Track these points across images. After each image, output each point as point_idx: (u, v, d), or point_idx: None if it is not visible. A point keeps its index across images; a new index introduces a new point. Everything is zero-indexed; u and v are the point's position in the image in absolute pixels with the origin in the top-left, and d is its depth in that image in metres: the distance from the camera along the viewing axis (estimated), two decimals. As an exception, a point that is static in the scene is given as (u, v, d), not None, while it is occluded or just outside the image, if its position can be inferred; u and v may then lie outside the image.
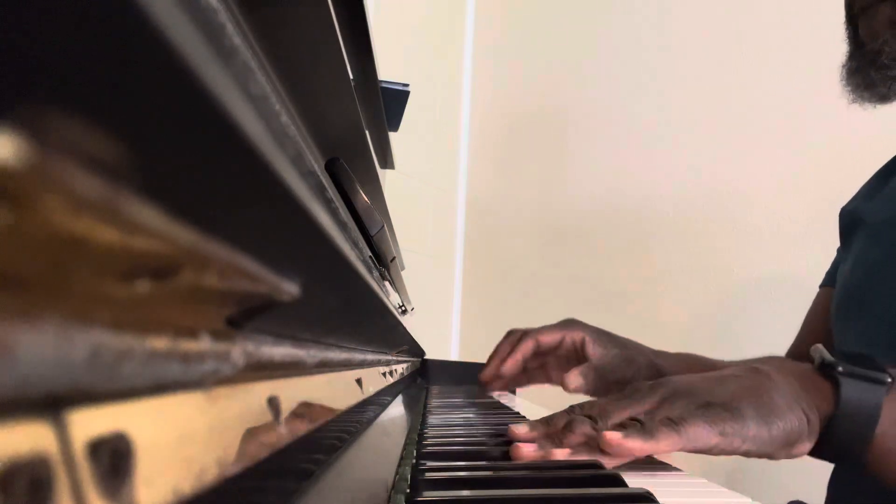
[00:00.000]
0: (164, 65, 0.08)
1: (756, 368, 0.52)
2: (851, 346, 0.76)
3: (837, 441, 0.50)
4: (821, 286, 0.93)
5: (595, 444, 0.47)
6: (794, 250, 1.62)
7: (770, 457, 0.50)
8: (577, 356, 0.77)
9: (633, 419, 0.48)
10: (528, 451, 0.48)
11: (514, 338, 0.79)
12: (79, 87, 0.08)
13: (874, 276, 0.75)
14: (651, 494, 0.36)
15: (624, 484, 0.40)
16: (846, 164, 1.58)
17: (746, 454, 0.49)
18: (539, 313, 1.92)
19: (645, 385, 0.52)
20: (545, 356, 0.79)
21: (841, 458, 0.51)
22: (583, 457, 0.47)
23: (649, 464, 0.53)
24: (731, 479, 1.43)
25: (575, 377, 0.73)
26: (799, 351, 0.92)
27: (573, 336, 0.77)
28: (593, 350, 0.76)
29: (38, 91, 0.08)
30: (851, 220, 0.84)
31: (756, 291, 1.65)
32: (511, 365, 0.76)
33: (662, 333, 1.67)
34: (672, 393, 0.50)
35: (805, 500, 0.90)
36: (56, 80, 0.08)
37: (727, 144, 1.72)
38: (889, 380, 0.50)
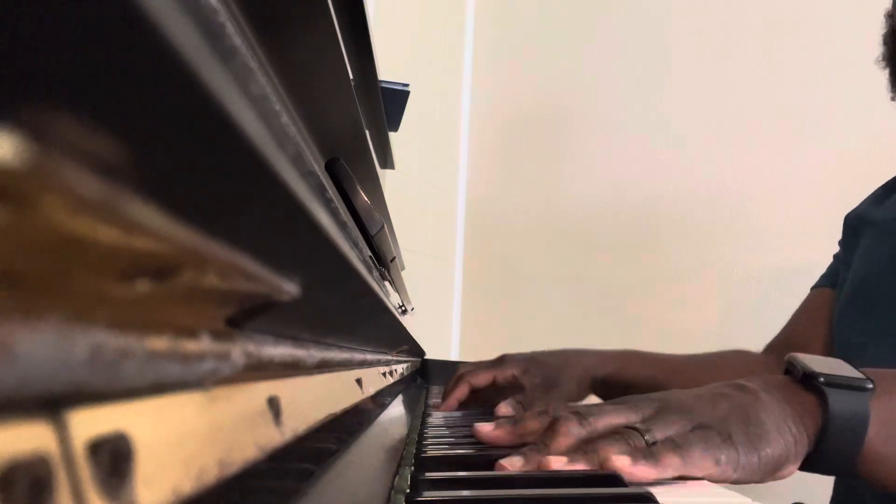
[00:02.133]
0: (164, 65, 0.08)
1: (743, 386, 0.51)
2: (859, 342, 0.77)
3: (830, 454, 0.49)
4: (814, 287, 0.94)
5: (583, 449, 0.46)
6: (796, 250, 1.62)
7: (757, 482, 0.49)
8: (515, 386, 0.84)
9: (621, 429, 0.48)
10: (513, 464, 0.47)
11: (455, 377, 0.85)
12: (79, 87, 0.08)
13: (882, 272, 0.76)
14: (651, 494, 0.36)
15: (624, 484, 0.40)
16: (850, 165, 1.58)
17: (735, 482, 0.48)
18: (539, 313, 1.92)
19: (635, 398, 0.51)
20: (489, 387, 0.85)
21: (833, 470, 0.51)
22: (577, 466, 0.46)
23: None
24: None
25: (505, 408, 0.79)
26: (780, 346, 0.92)
27: (504, 374, 0.83)
28: (524, 381, 0.83)
29: (38, 91, 0.08)
30: (857, 223, 0.86)
31: (758, 291, 1.65)
32: (450, 406, 0.83)
33: (663, 333, 1.67)
34: (663, 409, 0.49)
35: (806, 503, 0.90)
36: (56, 80, 0.08)
37: (729, 144, 1.72)
38: (871, 385, 0.50)
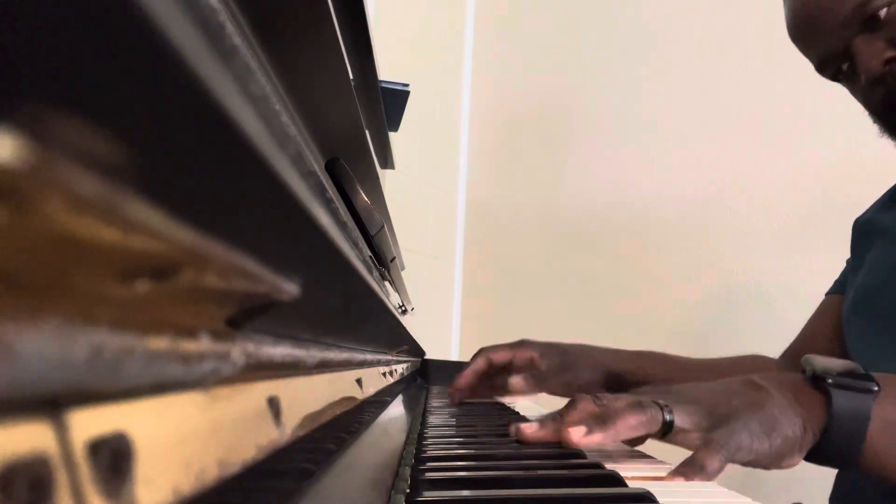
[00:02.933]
0: (163, 65, 0.08)
1: (754, 382, 0.55)
2: (864, 346, 0.78)
3: (832, 449, 0.53)
4: (828, 293, 0.95)
5: (597, 422, 0.50)
6: (790, 252, 1.62)
7: (764, 468, 0.53)
8: (531, 369, 0.85)
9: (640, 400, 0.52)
10: (530, 429, 0.52)
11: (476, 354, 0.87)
12: (79, 86, 0.08)
13: (887, 279, 0.77)
14: (651, 494, 0.36)
15: (624, 484, 0.40)
16: (844, 167, 1.58)
17: (744, 464, 0.52)
18: (539, 313, 1.92)
19: (650, 389, 0.56)
20: (505, 372, 0.86)
21: (836, 463, 0.55)
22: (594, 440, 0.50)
23: (650, 463, 0.53)
24: (732, 479, 1.43)
25: (517, 380, 0.82)
26: (795, 352, 0.93)
27: (522, 355, 0.84)
28: (541, 363, 0.84)
29: (38, 91, 0.08)
30: (867, 229, 0.87)
31: (757, 292, 1.65)
32: (464, 379, 0.84)
33: (661, 333, 1.67)
34: (680, 399, 0.52)
35: (806, 503, 0.91)
36: (56, 79, 0.08)
37: (727, 146, 1.72)
38: (876, 388, 0.53)
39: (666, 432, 0.51)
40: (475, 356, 0.85)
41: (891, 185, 0.90)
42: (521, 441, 0.53)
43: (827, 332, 0.89)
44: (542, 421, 0.53)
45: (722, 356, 0.94)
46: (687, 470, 0.48)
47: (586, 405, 0.52)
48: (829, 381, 0.53)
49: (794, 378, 0.56)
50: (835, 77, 0.80)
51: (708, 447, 0.49)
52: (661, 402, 0.51)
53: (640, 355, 0.89)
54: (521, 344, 0.85)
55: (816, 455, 0.53)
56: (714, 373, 0.90)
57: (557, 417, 0.53)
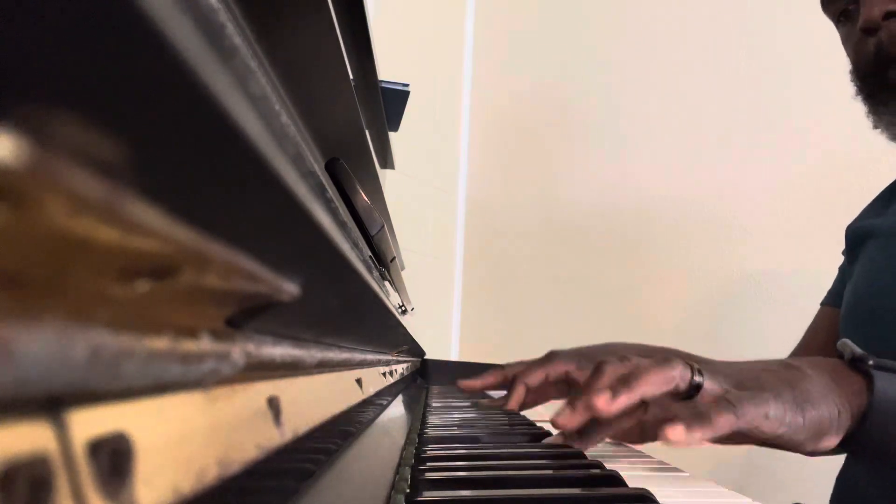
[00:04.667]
0: (163, 64, 0.08)
1: (789, 363, 0.53)
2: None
3: (872, 433, 0.51)
4: (822, 304, 0.94)
5: (622, 383, 0.48)
6: (789, 251, 1.63)
7: (799, 446, 0.50)
8: (567, 382, 0.83)
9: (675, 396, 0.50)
10: (565, 417, 0.50)
11: (502, 375, 0.84)
12: (79, 86, 0.08)
13: (883, 283, 0.77)
14: (651, 494, 0.36)
15: (624, 484, 0.40)
16: (843, 166, 1.58)
17: (779, 440, 0.49)
18: (539, 313, 1.92)
19: (683, 355, 0.54)
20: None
21: (875, 450, 0.52)
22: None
23: (650, 463, 0.53)
24: (732, 479, 1.43)
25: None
26: None
27: (556, 371, 0.82)
28: (578, 376, 0.82)
29: (38, 91, 0.08)
30: (859, 235, 0.86)
31: (754, 291, 1.65)
32: (512, 409, 0.81)
33: (660, 333, 1.67)
34: (711, 368, 0.51)
35: (806, 503, 0.91)
36: (56, 79, 0.08)
37: (725, 146, 1.72)
38: None
39: (692, 394, 0.50)
40: (511, 379, 0.81)
41: (891, 182, 0.90)
42: (561, 430, 0.52)
43: (825, 344, 0.89)
44: (573, 404, 0.51)
45: (731, 355, 0.93)
46: (693, 420, 0.46)
47: (615, 369, 0.51)
48: (871, 362, 0.52)
49: (832, 361, 0.54)
50: (838, 16, 0.78)
51: (722, 403, 0.47)
52: (693, 364, 0.50)
53: (667, 351, 0.89)
54: (552, 358, 0.83)
55: (854, 440, 0.51)
56: None
57: (585, 389, 0.51)
